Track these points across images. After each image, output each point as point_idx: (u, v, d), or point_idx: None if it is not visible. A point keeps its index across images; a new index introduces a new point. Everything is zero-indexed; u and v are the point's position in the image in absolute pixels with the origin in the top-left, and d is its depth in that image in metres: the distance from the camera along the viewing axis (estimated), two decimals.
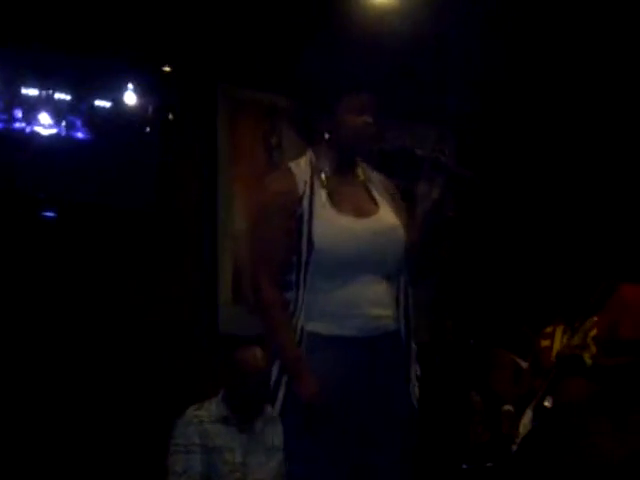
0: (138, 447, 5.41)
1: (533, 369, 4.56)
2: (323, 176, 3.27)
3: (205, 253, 6.03)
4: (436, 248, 3.31)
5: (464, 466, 5.17)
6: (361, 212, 3.27)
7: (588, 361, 4.13)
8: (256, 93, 6.27)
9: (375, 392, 3.17)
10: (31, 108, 5.37)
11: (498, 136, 6.83)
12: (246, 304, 5.82)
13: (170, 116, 5.84)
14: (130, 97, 5.67)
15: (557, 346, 4.36)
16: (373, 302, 3.19)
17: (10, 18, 5.27)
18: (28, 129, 5.36)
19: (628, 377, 4.15)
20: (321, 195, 3.23)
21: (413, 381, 3.26)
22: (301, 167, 3.29)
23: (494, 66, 6.10)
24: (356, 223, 3.23)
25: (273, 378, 3.20)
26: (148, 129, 5.76)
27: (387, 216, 3.29)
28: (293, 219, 3.18)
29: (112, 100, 5.61)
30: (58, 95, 5.44)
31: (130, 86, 5.66)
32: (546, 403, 4.26)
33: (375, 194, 3.34)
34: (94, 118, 5.54)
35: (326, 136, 3.31)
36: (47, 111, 5.41)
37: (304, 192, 3.21)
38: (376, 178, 3.39)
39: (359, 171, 3.37)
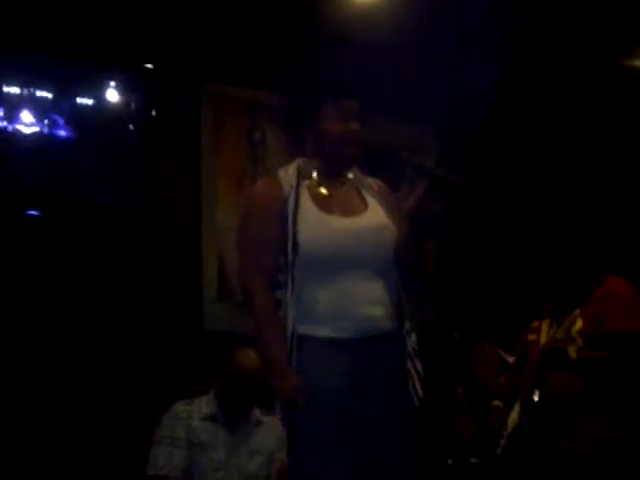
0: (121, 443, 5.40)
1: (520, 363, 4.57)
2: (310, 181, 3.28)
3: (189, 250, 6.01)
4: (416, 245, 3.32)
5: (449, 462, 5.18)
6: (348, 212, 3.29)
7: (572, 355, 4.14)
8: (239, 90, 6.26)
9: (373, 395, 3.16)
10: (13, 106, 5.35)
11: (483, 132, 6.84)
12: (232, 301, 5.83)
13: (153, 113, 5.82)
14: (112, 95, 5.65)
15: (543, 340, 4.38)
16: (364, 301, 3.20)
17: None
18: (10, 127, 5.34)
19: (614, 371, 4.16)
20: (307, 197, 3.24)
21: (414, 380, 3.25)
22: (289, 173, 3.31)
23: (480, 64, 6.11)
24: (341, 221, 3.24)
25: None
26: (131, 126, 5.74)
27: (376, 215, 3.30)
28: (278, 221, 3.20)
29: (94, 98, 5.59)
30: (40, 93, 5.41)
31: (112, 84, 5.64)
32: (534, 397, 4.27)
33: (366, 195, 3.35)
34: (76, 116, 5.52)
35: (310, 145, 3.32)
36: (29, 109, 5.39)
37: (289, 195, 3.23)
38: (368, 181, 3.40)
39: (349, 175, 3.38)
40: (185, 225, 6.01)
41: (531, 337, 4.48)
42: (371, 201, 3.34)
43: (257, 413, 4.55)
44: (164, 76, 5.88)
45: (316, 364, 3.14)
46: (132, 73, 5.77)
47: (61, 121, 5.48)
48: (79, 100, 5.56)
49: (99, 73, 5.65)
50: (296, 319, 3.15)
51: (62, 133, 5.49)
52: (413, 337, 3.31)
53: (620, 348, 4.16)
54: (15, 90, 5.37)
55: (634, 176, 6.64)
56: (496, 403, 4.60)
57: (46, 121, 5.44)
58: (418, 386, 3.26)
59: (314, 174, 3.31)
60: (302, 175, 3.30)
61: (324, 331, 3.16)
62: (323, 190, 3.30)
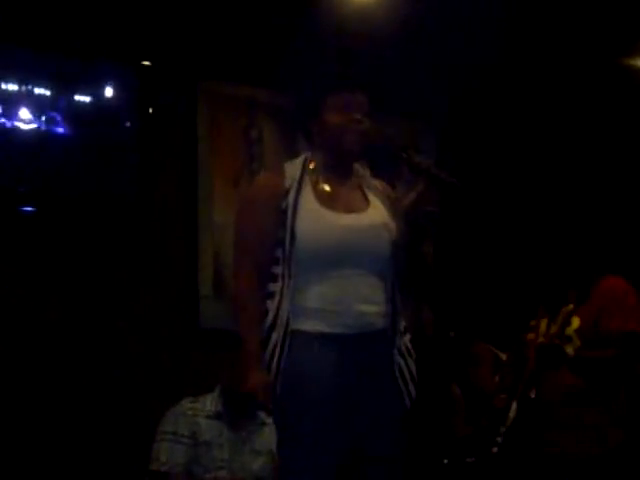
0: (117, 440, 5.41)
1: (516, 362, 4.58)
2: (314, 174, 3.29)
3: (186, 247, 6.02)
4: (414, 246, 3.32)
5: (445, 461, 5.19)
6: (349, 209, 3.28)
7: (570, 352, 4.15)
8: (236, 87, 6.27)
9: (364, 392, 3.16)
10: (11, 103, 5.35)
11: (478, 131, 6.85)
12: (228, 298, 5.82)
13: (150, 110, 5.83)
14: (110, 92, 5.66)
15: (541, 338, 4.39)
16: (359, 298, 3.19)
17: None
18: (8, 124, 5.34)
19: (612, 370, 4.17)
20: (309, 191, 3.25)
21: (406, 381, 3.25)
22: (294, 165, 3.32)
23: (478, 61, 6.11)
24: (340, 218, 3.24)
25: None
26: (128, 123, 5.75)
27: (376, 214, 3.30)
28: (277, 213, 3.20)
29: (92, 95, 5.59)
30: (38, 90, 5.41)
31: (110, 81, 5.65)
32: (531, 395, 4.28)
33: (369, 194, 3.36)
34: (74, 113, 5.53)
35: (315, 138, 3.33)
36: (27, 106, 5.39)
37: (290, 187, 3.23)
38: (374, 182, 3.41)
39: (355, 171, 3.38)
40: (181, 222, 6.01)
41: (529, 336, 4.49)
42: (373, 199, 3.34)
43: (261, 414, 4.55)
44: (161, 73, 5.88)
45: (307, 359, 3.13)
46: (129, 70, 5.77)
47: (59, 118, 5.48)
48: (77, 97, 5.56)
49: (97, 70, 5.65)
50: (290, 312, 3.15)
51: (60, 130, 5.49)
52: (407, 337, 3.31)
53: (618, 347, 4.17)
54: (13, 87, 5.37)
55: (632, 176, 6.65)
56: (502, 397, 4.59)
57: (44, 118, 5.44)
58: (411, 387, 3.26)
59: (319, 168, 3.31)
60: (307, 169, 3.31)
61: (316, 326, 3.16)
62: (326, 186, 3.30)
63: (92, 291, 5.60)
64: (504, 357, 5.33)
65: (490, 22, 5.93)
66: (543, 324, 4.43)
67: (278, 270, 3.19)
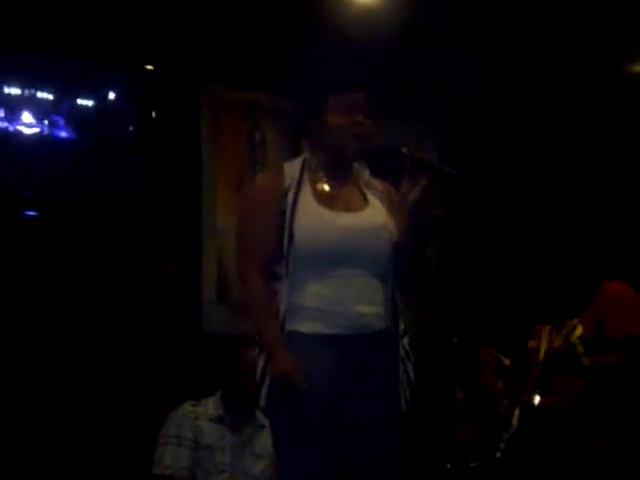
0: (120, 443, 5.40)
1: (519, 368, 4.56)
2: (314, 174, 3.28)
3: (189, 251, 6.01)
4: (418, 249, 3.31)
5: (448, 466, 5.18)
6: (348, 208, 3.28)
7: (585, 361, 4.13)
8: (239, 91, 6.26)
9: (361, 394, 3.15)
10: (13, 107, 5.34)
11: (482, 134, 6.84)
12: (231, 303, 5.83)
13: (153, 114, 5.82)
14: (113, 96, 5.65)
15: (544, 345, 4.37)
16: (358, 299, 3.17)
17: None
18: (11, 128, 5.34)
19: (617, 376, 4.15)
20: (308, 191, 3.25)
21: (403, 384, 3.24)
22: (293, 165, 3.32)
23: (480, 64, 6.10)
24: (339, 217, 3.23)
25: (257, 374, 3.19)
26: (131, 127, 5.74)
27: (375, 214, 3.29)
28: (277, 212, 3.20)
29: (95, 99, 5.59)
30: (40, 94, 5.41)
31: (113, 85, 5.64)
32: (534, 402, 4.26)
33: (368, 194, 3.35)
34: (77, 117, 5.52)
35: (316, 138, 3.32)
36: (29, 110, 5.38)
37: (290, 187, 3.23)
38: (374, 182, 3.40)
39: (354, 171, 3.37)
40: (185, 226, 6.01)
41: (531, 343, 4.47)
42: (372, 199, 3.34)
43: (261, 417, 4.54)
44: (164, 77, 5.88)
45: (305, 359, 3.12)
46: (132, 74, 5.76)
47: (62, 122, 5.48)
48: (79, 101, 5.55)
49: (99, 74, 5.65)
50: (287, 312, 3.15)
51: (62, 134, 5.49)
52: (406, 339, 3.30)
53: (622, 353, 4.15)
54: (16, 91, 5.36)
55: (633, 181, 6.65)
56: (505, 402, 4.57)
57: (46, 122, 5.44)
58: (408, 391, 3.24)
59: (318, 168, 3.31)
60: (307, 169, 3.31)
61: (314, 326, 3.15)
62: (325, 186, 3.30)
63: (95, 295, 5.59)
64: (508, 362, 5.32)
65: (494, 25, 5.93)
66: (545, 331, 4.42)
67: (278, 269, 3.19)
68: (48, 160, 5.46)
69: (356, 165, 3.39)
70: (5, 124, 5.31)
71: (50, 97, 5.45)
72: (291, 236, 3.16)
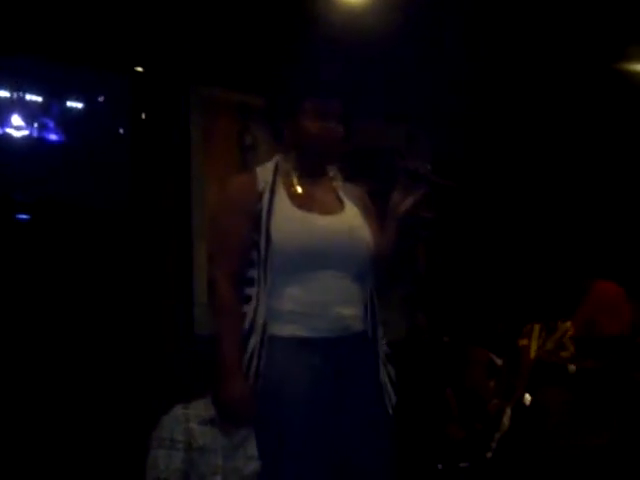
0: (112, 446, 5.40)
1: (510, 367, 4.57)
2: (287, 177, 3.27)
3: (179, 253, 6.01)
4: (401, 253, 3.29)
5: (440, 466, 5.18)
6: (324, 210, 3.24)
7: (571, 369, 4.14)
8: (229, 93, 6.26)
9: (343, 397, 3.12)
10: (3, 110, 5.35)
11: (474, 136, 6.85)
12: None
13: (143, 116, 5.82)
14: (102, 98, 5.65)
15: (534, 344, 4.38)
16: (336, 301, 3.15)
17: None
18: (0, 131, 5.34)
19: (607, 380, 4.16)
20: (283, 193, 3.22)
21: (386, 386, 3.22)
22: (266, 169, 3.27)
23: (473, 67, 6.12)
24: (316, 219, 3.20)
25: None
26: (121, 130, 5.74)
27: (351, 216, 3.28)
28: (251, 216, 3.16)
29: (84, 101, 5.60)
30: (30, 97, 5.42)
31: (102, 87, 5.64)
32: (525, 402, 4.27)
33: (343, 197, 3.34)
34: (66, 119, 5.53)
35: (289, 140, 3.31)
36: (19, 113, 5.39)
37: (264, 190, 3.19)
38: (346, 184, 3.39)
39: (329, 175, 3.37)
40: (175, 229, 6.01)
41: (522, 342, 4.48)
42: (348, 203, 3.33)
43: None
44: (154, 80, 5.88)
45: (286, 364, 3.09)
46: (122, 76, 5.76)
47: (51, 124, 5.48)
48: (69, 103, 5.56)
49: (89, 76, 5.65)
50: (267, 317, 3.11)
51: (52, 136, 5.49)
52: (384, 341, 3.28)
53: (612, 352, 4.16)
54: (5, 93, 5.37)
55: (624, 182, 6.66)
56: (495, 402, 4.58)
57: (36, 124, 5.44)
58: (392, 393, 3.24)
59: (292, 171, 3.29)
60: (280, 171, 3.27)
61: (294, 330, 3.12)
62: (300, 188, 3.28)
63: (86, 298, 5.59)
64: (500, 362, 5.33)
65: (486, 27, 5.94)
66: (536, 331, 4.43)
67: (254, 274, 3.15)
68: (38, 163, 5.46)
69: (330, 168, 3.38)
70: None
71: (39, 100, 5.46)
72: (268, 239, 3.13)
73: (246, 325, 3.13)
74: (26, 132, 5.41)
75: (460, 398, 5.57)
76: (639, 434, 4.32)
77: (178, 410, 4.62)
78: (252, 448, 4.55)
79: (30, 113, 5.43)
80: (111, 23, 5.62)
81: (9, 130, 5.37)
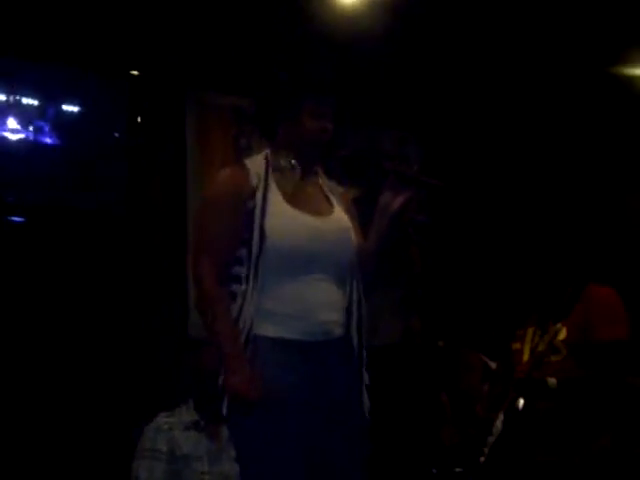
0: (103, 452, 5.40)
1: (504, 371, 4.56)
2: (280, 174, 3.24)
3: (175, 256, 6.01)
4: (388, 256, 3.29)
5: (434, 471, 5.18)
6: (316, 211, 3.23)
7: (552, 383, 4.13)
8: (224, 97, 6.27)
9: (324, 400, 3.12)
10: None
11: (466, 140, 6.86)
12: None
13: (138, 120, 5.83)
14: (98, 101, 5.66)
15: (527, 348, 4.37)
16: (323, 305, 3.14)
17: None
18: None
19: (597, 387, 4.16)
20: (276, 190, 3.19)
21: (364, 391, 3.21)
22: (257, 162, 3.24)
23: (467, 70, 6.12)
24: (310, 219, 3.19)
25: (219, 381, 3.11)
26: (116, 133, 5.75)
27: (341, 218, 3.28)
28: (242, 211, 3.12)
29: (80, 104, 5.60)
30: (25, 100, 5.43)
31: (98, 90, 5.65)
32: (518, 406, 4.26)
33: (331, 197, 3.34)
34: (62, 123, 5.53)
35: (282, 139, 3.29)
36: (14, 116, 5.40)
37: (257, 186, 3.15)
38: (332, 184, 3.38)
39: (317, 174, 3.36)
40: (170, 231, 6.01)
41: (515, 345, 4.48)
42: (336, 204, 3.33)
43: None
44: (150, 83, 5.88)
45: (269, 365, 3.07)
46: (118, 80, 5.77)
47: (47, 128, 5.49)
48: (64, 107, 5.57)
49: (85, 80, 5.66)
50: (253, 316, 3.08)
51: (48, 140, 5.50)
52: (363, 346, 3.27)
53: (606, 358, 4.15)
54: (1, 97, 5.38)
55: (619, 186, 6.67)
56: (483, 405, 4.58)
57: (31, 128, 5.45)
58: (366, 398, 3.23)
59: (283, 169, 3.26)
60: (271, 166, 3.23)
61: (279, 332, 3.10)
62: (291, 187, 3.25)
63: (80, 301, 5.59)
64: (494, 366, 5.32)
65: (477, 30, 5.94)
66: (529, 334, 4.42)
67: (242, 271, 3.11)
68: (33, 166, 5.46)
69: (317, 169, 3.38)
70: None
71: (35, 103, 5.47)
72: (262, 236, 3.09)
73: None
74: (22, 135, 5.42)
75: (454, 402, 5.56)
76: (634, 439, 4.33)
77: (161, 419, 4.60)
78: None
79: (26, 116, 5.44)
80: (107, 27, 5.63)
81: (5, 133, 5.38)
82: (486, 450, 4.30)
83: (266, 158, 3.25)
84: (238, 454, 3.19)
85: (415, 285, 6.29)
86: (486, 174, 6.85)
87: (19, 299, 5.40)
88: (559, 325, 4.22)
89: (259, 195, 3.14)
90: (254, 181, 3.16)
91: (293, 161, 3.25)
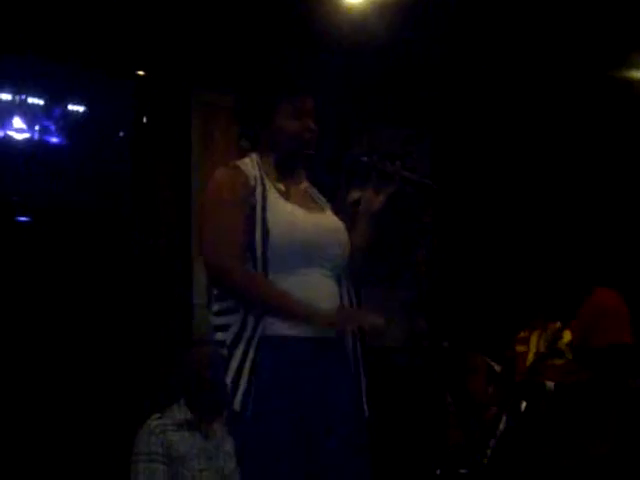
0: (107, 453, 5.39)
1: (508, 374, 4.56)
2: (269, 176, 3.21)
3: (179, 257, 6.01)
4: (408, 260, 3.29)
5: (438, 472, 5.18)
6: (311, 207, 3.24)
7: (550, 386, 4.12)
8: (229, 97, 6.25)
9: (323, 397, 3.10)
10: (4, 113, 5.36)
11: (472, 140, 6.86)
12: None
13: (144, 120, 5.83)
14: (103, 101, 5.66)
15: (532, 351, 4.37)
16: (322, 300, 3.12)
17: None
18: (1, 133, 5.35)
19: (599, 390, 4.16)
20: (272, 189, 3.18)
21: (363, 388, 3.20)
22: (248, 164, 3.22)
23: (468, 68, 6.12)
24: (308, 214, 3.19)
25: (231, 374, 3.06)
26: (122, 133, 5.75)
27: (334, 217, 3.29)
28: (246, 209, 3.10)
29: (85, 104, 5.61)
30: (31, 100, 5.43)
31: (104, 90, 5.65)
32: (521, 408, 4.26)
33: (318, 200, 3.34)
34: (68, 123, 5.54)
35: (265, 142, 3.28)
36: (20, 116, 5.40)
37: (256, 185, 3.14)
38: (312, 187, 3.39)
39: (301, 175, 3.36)
40: (175, 231, 6.01)
41: (520, 348, 4.47)
42: (323, 203, 3.34)
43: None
44: (155, 83, 5.89)
45: (273, 362, 3.05)
46: (123, 80, 5.77)
47: (52, 128, 5.49)
48: (70, 107, 5.57)
49: (90, 80, 5.66)
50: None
51: (53, 139, 5.50)
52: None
53: (610, 361, 4.15)
54: (6, 96, 5.38)
55: (622, 189, 6.66)
56: (493, 410, 4.57)
57: (37, 127, 5.46)
58: (364, 395, 3.23)
59: (271, 170, 3.26)
60: (262, 168, 3.21)
61: (284, 328, 3.08)
62: (282, 186, 3.26)
63: (86, 301, 5.60)
64: (498, 369, 5.32)
65: (481, 30, 5.94)
66: (534, 337, 4.42)
67: (248, 267, 3.08)
68: (39, 165, 5.47)
69: (302, 171, 3.37)
70: None
71: (41, 103, 5.47)
72: (265, 233, 3.08)
73: (237, 323, 3.07)
74: (27, 135, 5.43)
75: (459, 404, 5.57)
76: (636, 441, 4.32)
77: (152, 422, 4.58)
78: (230, 446, 4.51)
79: (32, 116, 5.45)
80: (113, 27, 5.63)
81: (10, 133, 5.39)
82: (488, 452, 4.30)
83: (254, 160, 3.24)
84: (239, 453, 3.18)
85: (420, 287, 6.31)
86: (492, 175, 6.85)
87: (24, 297, 5.41)
88: (559, 324, 4.22)
89: (259, 194, 3.13)
90: (251, 180, 3.16)
91: (270, 171, 3.26)
